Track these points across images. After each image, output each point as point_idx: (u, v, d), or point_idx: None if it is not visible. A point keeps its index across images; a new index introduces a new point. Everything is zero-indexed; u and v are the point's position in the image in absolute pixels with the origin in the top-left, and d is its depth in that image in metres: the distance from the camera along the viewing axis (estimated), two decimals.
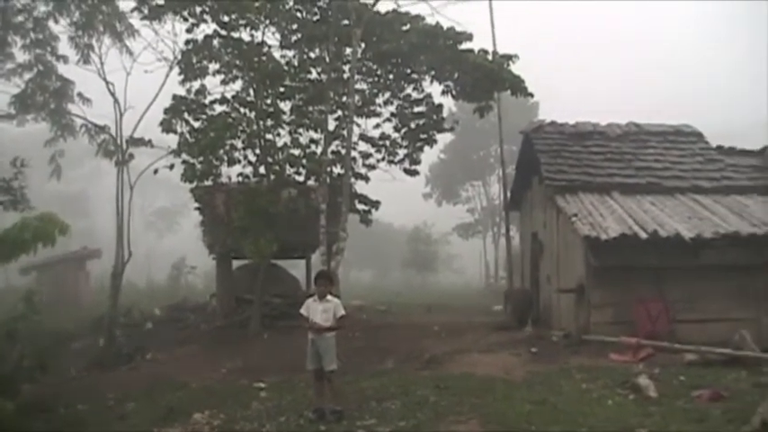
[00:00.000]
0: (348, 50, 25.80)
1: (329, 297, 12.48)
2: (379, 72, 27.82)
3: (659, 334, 17.83)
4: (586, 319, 18.92)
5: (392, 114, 28.36)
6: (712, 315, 18.49)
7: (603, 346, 17.47)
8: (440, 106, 28.30)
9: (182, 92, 25.34)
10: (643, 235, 18.09)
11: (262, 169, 25.33)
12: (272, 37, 26.28)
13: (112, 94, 26.23)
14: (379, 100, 28.30)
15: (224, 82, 25.59)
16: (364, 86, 28.30)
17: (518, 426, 11.05)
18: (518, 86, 25.55)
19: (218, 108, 25.43)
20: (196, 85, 25.35)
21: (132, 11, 25.38)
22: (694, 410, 11.71)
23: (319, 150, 25.75)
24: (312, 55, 27.21)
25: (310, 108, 26.87)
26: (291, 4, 25.98)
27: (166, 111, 24.97)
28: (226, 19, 24.46)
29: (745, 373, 14.62)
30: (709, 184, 22.39)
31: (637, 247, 18.09)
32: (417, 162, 29.12)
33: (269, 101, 25.77)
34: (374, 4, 25.28)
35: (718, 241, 18.27)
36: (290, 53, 27.01)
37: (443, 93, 27.10)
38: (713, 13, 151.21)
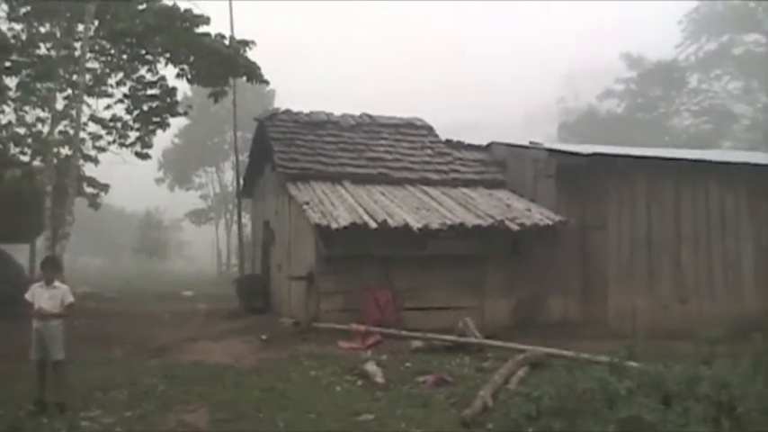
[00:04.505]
0: (80, 27, 24.73)
1: (56, 283, 11.93)
2: (112, 51, 26.91)
3: (387, 321, 18.16)
4: (316, 307, 19.01)
5: (124, 96, 27.57)
6: (438, 303, 19.10)
7: (333, 334, 17.59)
8: (174, 89, 27.72)
9: None
10: (373, 224, 18.27)
11: None
12: None
13: None
14: (112, 80, 27.45)
15: None
16: (96, 65, 27.29)
17: (247, 413, 10.97)
18: (253, 73, 25.42)
19: None
20: None
21: None
22: (419, 395, 12.01)
23: (46, 130, 24.60)
24: (42, 30, 25.89)
25: (38, 85, 25.51)
26: None
27: None
28: None
29: (469, 359, 15.22)
30: (437, 176, 23.05)
31: (366, 236, 18.25)
32: (149, 146, 28.46)
33: None
34: None
35: (445, 232, 18.69)
36: (19, 26, 25.61)
37: (178, 76, 26.42)
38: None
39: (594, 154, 20.77)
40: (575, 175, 20.66)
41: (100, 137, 27.68)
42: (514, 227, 19.10)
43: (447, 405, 11.34)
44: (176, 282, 48.88)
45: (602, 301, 20.39)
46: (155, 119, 27.92)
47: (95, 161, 27.67)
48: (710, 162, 22.49)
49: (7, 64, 24.65)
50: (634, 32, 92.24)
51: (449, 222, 18.92)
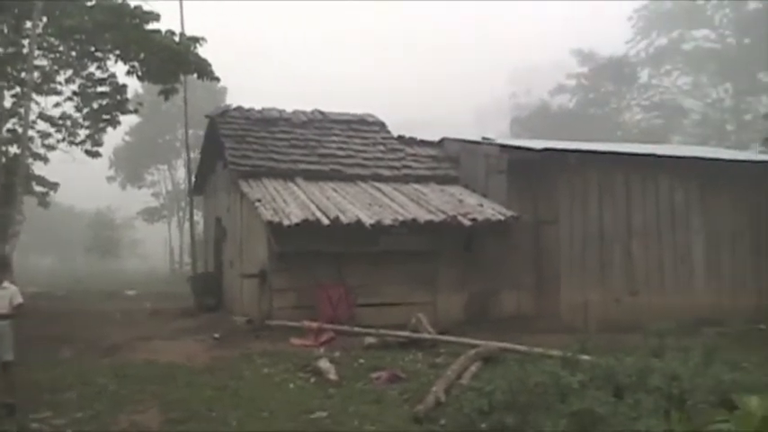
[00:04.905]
0: (28, 24, 24.38)
1: (5, 284, 11.78)
2: (61, 48, 26.61)
3: (340, 318, 18.17)
4: (269, 304, 18.95)
5: (74, 93, 27.37)
6: (391, 299, 19.11)
7: (286, 331, 17.58)
8: (124, 87, 27.51)
9: None
10: (325, 221, 18.26)
11: None
12: None
13: None
14: (61, 78, 27.25)
15: None
16: (45, 63, 26.94)
17: (199, 412, 10.92)
18: (204, 70, 25.26)
19: None
20: None
21: None
22: (373, 392, 12.05)
23: None
24: None
25: None
26: None
27: None
28: None
29: (422, 355, 15.30)
30: (390, 172, 23.07)
31: (319, 232, 18.22)
32: (100, 144, 28.27)
33: None
34: None
35: (398, 228, 18.76)
36: None
37: (128, 73, 26.13)
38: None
39: (546, 149, 20.87)
40: (527, 171, 20.75)
41: (49, 135, 27.48)
42: (467, 222, 19.18)
43: (400, 401, 11.38)
44: (128, 280, 48.56)
45: (554, 295, 20.52)
46: (105, 116, 27.71)
47: (45, 159, 27.40)
48: (661, 156, 22.72)
49: None
50: (585, 28, 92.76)
51: (401, 218, 18.97)
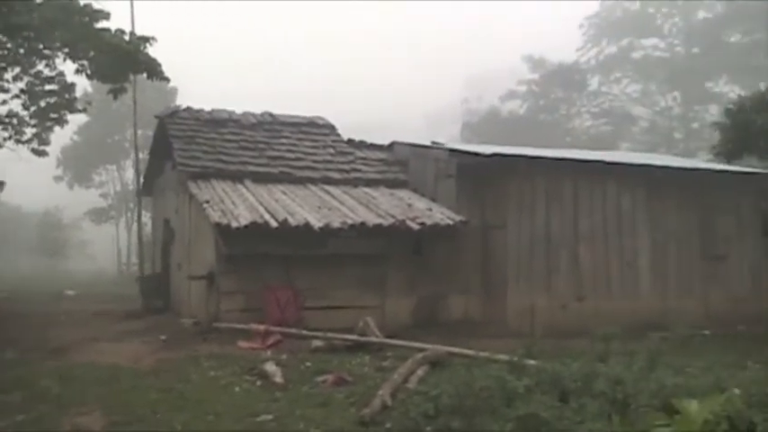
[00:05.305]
0: None
1: None
2: (9, 46, 26.22)
3: (288, 321, 18.16)
4: (216, 307, 18.87)
5: (21, 91, 27.07)
6: (340, 302, 19.14)
7: (233, 334, 17.49)
8: (72, 85, 27.27)
9: None
10: (273, 223, 18.21)
11: None
12: None
13: None
14: (8, 75, 26.82)
15: None
16: None
17: (144, 415, 10.83)
18: (154, 70, 25.05)
19: None
20: None
21: None
22: (319, 395, 12.00)
23: None
24: None
25: None
26: None
27: None
28: None
29: (369, 358, 15.27)
30: (339, 175, 23.07)
31: (267, 235, 18.18)
32: (47, 143, 27.98)
33: None
34: None
35: (347, 231, 18.78)
36: None
37: (77, 71, 25.89)
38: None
39: (495, 154, 20.99)
40: (476, 175, 20.87)
41: None
42: (415, 226, 19.23)
43: (346, 404, 11.35)
44: (75, 281, 48.02)
45: (501, 299, 20.57)
46: (53, 115, 27.48)
47: None
48: (609, 163, 22.94)
49: None
50: (536, 35, 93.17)
51: (350, 222, 18.98)
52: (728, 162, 24.40)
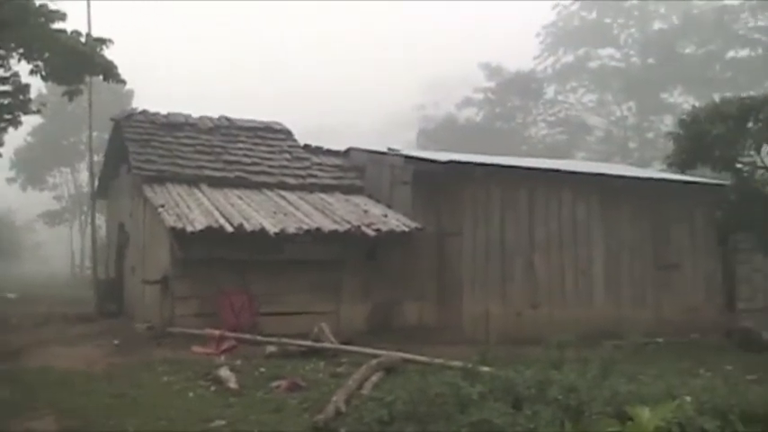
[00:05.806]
0: None
1: None
2: None
3: (243, 326, 18.06)
4: (171, 311, 18.74)
5: None
6: (295, 308, 19.01)
7: (188, 339, 17.42)
8: (27, 86, 26.95)
9: None
10: (229, 228, 18.13)
11: None
12: None
13: None
14: None
15: None
16: None
17: (96, 420, 10.74)
18: (110, 72, 24.88)
19: None
20: None
21: None
22: (273, 401, 11.96)
23: None
24: None
25: None
26: None
27: None
28: None
29: (323, 364, 15.24)
30: (295, 180, 23.04)
31: (223, 239, 18.10)
32: (0, 143, 27.63)
33: None
34: None
35: (302, 237, 18.74)
36: None
37: (32, 72, 25.59)
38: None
39: (450, 161, 21.09)
40: (431, 182, 20.92)
41: None
42: (371, 232, 19.25)
43: (300, 410, 11.31)
44: (27, 284, 47.44)
45: (456, 306, 20.63)
46: (6, 116, 27.09)
47: None
48: (564, 171, 23.13)
49: None
50: (493, 43, 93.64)
51: (305, 227, 18.95)
52: (682, 172, 24.73)
